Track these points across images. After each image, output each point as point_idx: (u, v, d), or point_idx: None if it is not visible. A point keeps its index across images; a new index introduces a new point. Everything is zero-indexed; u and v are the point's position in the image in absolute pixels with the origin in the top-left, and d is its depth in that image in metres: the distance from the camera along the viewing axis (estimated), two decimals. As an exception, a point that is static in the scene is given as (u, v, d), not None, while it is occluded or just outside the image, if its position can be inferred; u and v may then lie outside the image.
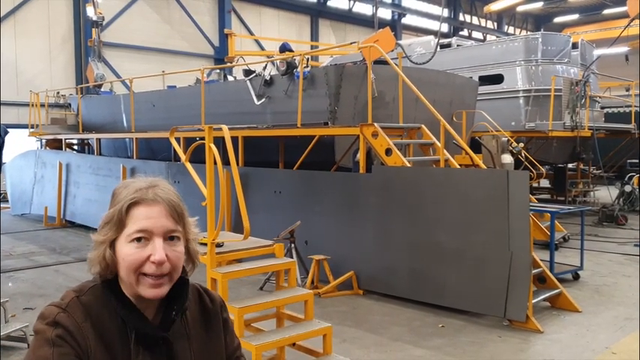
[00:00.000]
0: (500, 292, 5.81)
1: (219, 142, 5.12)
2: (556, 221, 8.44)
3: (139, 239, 1.41)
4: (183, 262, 1.49)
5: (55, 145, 14.90)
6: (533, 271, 6.14)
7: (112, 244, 1.43)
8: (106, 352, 1.39)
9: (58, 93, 17.25)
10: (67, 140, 14.56)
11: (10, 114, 16.69)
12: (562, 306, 6.41)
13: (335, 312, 6.31)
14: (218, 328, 1.62)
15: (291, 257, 6.73)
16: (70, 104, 16.62)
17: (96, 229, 1.47)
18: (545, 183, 16.79)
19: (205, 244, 4.66)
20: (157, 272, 1.40)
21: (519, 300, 5.73)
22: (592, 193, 15.42)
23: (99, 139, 13.38)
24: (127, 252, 1.40)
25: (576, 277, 7.75)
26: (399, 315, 6.25)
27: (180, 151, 5.27)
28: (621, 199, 13.48)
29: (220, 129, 4.74)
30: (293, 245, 7.10)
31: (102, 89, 15.65)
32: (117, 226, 1.43)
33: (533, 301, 5.94)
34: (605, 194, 14.04)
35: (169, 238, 1.43)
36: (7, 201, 15.19)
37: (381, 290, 6.96)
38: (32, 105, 14.66)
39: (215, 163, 4.78)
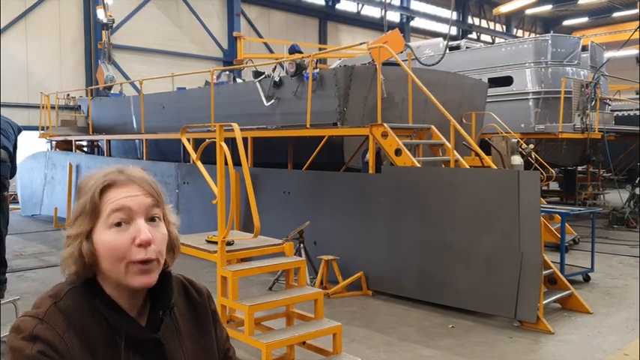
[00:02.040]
0: (511, 292, 5.78)
1: (229, 142, 5.14)
2: (566, 223, 8.39)
3: (118, 224, 1.29)
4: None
5: (65, 146, 14.98)
6: (544, 272, 6.10)
7: (88, 237, 1.30)
8: None
9: (68, 95, 17.36)
10: (76, 142, 14.64)
11: (20, 116, 16.78)
12: (573, 307, 6.37)
13: (344, 312, 6.30)
14: (208, 322, 1.53)
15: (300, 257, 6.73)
16: (79, 106, 16.72)
17: None
18: (554, 186, 16.73)
19: (216, 243, 4.67)
20: (146, 257, 1.28)
21: (530, 301, 5.70)
22: (602, 195, 15.33)
23: (109, 141, 13.45)
24: (107, 239, 1.28)
25: (587, 278, 7.70)
26: (409, 315, 6.23)
27: (191, 149, 5.30)
28: (632, 202, 13.38)
29: (231, 127, 4.75)
30: (302, 245, 7.10)
31: (111, 91, 15.74)
32: (91, 215, 1.30)
33: (544, 302, 5.90)
34: (615, 197, 13.96)
35: (150, 219, 1.33)
36: (17, 202, 15.28)
37: (391, 291, 6.94)
38: (42, 107, 14.75)
39: (226, 162, 4.79)
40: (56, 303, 1.29)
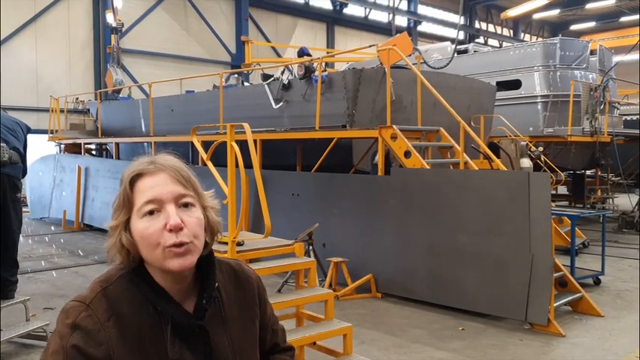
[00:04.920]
0: (522, 295, 5.75)
1: (238, 144, 5.14)
2: (576, 227, 8.35)
3: (150, 212, 1.34)
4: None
5: (74, 149, 15.05)
6: (555, 275, 6.07)
7: (126, 227, 1.36)
8: (133, 348, 1.31)
9: (77, 99, 17.45)
10: (85, 145, 14.70)
11: (29, 119, 16.83)
12: (584, 310, 6.34)
13: (353, 314, 6.28)
14: (254, 311, 1.57)
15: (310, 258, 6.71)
16: (88, 110, 16.79)
17: None
18: (562, 190, 16.66)
19: (226, 243, 4.67)
20: (177, 241, 1.31)
21: (541, 303, 5.66)
22: (611, 199, 15.25)
23: (117, 144, 13.49)
24: (141, 227, 1.33)
25: (597, 282, 7.66)
26: (419, 318, 6.21)
27: (201, 150, 5.30)
28: (641, 206, 13.30)
29: (242, 127, 4.76)
30: (311, 247, 7.09)
31: (120, 95, 15.81)
32: (126, 206, 1.36)
33: (555, 304, 5.86)
34: (624, 201, 13.88)
35: (183, 205, 1.36)
36: (26, 204, 15.34)
37: (400, 293, 6.92)
38: (52, 110, 14.83)
39: (237, 164, 4.79)
40: (105, 288, 1.35)
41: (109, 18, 16.45)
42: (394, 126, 7.20)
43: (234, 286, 1.54)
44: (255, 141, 8.75)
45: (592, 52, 13.95)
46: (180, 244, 1.31)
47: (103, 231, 12.11)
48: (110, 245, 1.37)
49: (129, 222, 1.36)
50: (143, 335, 1.32)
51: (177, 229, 1.31)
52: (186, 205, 1.36)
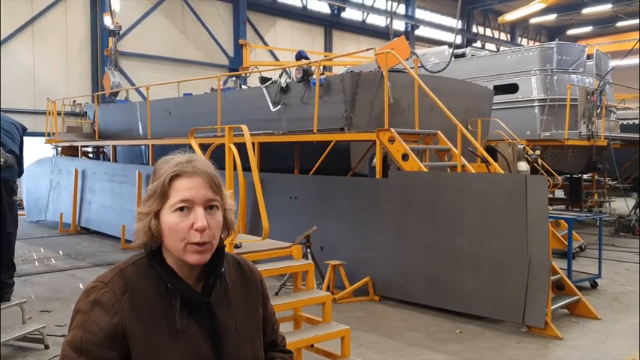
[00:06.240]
0: (519, 297, 5.76)
1: (237, 147, 5.13)
2: (573, 231, 8.36)
3: (181, 209, 1.52)
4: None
5: (71, 152, 15.04)
6: (552, 278, 6.07)
7: (157, 215, 1.54)
8: (144, 320, 1.49)
9: (74, 101, 17.42)
10: (82, 147, 14.67)
11: (26, 122, 16.70)
12: (581, 313, 6.35)
13: (351, 317, 6.28)
14: (257, 297, 1.74)
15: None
16: (86, 112, 16.78)
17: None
18: (559, 194, 16.69)
19: (224, 245, 4.66)
20: (201, 240, 1.50)
21: (538, 306, 5.67)
22: (608, 203, 15.29)
23: (114, 146, 13.47)
24: (172, 221, 1.51)
25: (594, 285, 7.67)
26: (416, 320, 6.21)
27: (199, 152, 5.30)
28: (638, 210, 13.33)
29: (239, 129, 4.76)
30: (309, 250, 7.08)
31: (117, 98, 15.79)
32: (160, 198, 1.54)
33: (552, 307, 5.87)
34: (621, 205, 13.91)
35: (209, 207, 1.54)
36: (22, 207, 15.30)
37: (398, 296, 6.92)
38: (49, 113, 14.80)
39: (235, 166, 4.79)
40: (123, 269, 1.56)
41: (107, 21, 16.45)
42: (392, 129, 7.21)
43: (238, 275, 1.72)
44: (253, 144, 8.77)
45: (589, 57, 14.01)
46: (202, 243, 1.50)
47: (99, 234, 12.08)
48: (139, 228, 1.55)
49: (159, 211, 1.53)
50: (155, 309, 1.51)
51: (202, 230, 1.50)
52: (211, 207, 1.55)
